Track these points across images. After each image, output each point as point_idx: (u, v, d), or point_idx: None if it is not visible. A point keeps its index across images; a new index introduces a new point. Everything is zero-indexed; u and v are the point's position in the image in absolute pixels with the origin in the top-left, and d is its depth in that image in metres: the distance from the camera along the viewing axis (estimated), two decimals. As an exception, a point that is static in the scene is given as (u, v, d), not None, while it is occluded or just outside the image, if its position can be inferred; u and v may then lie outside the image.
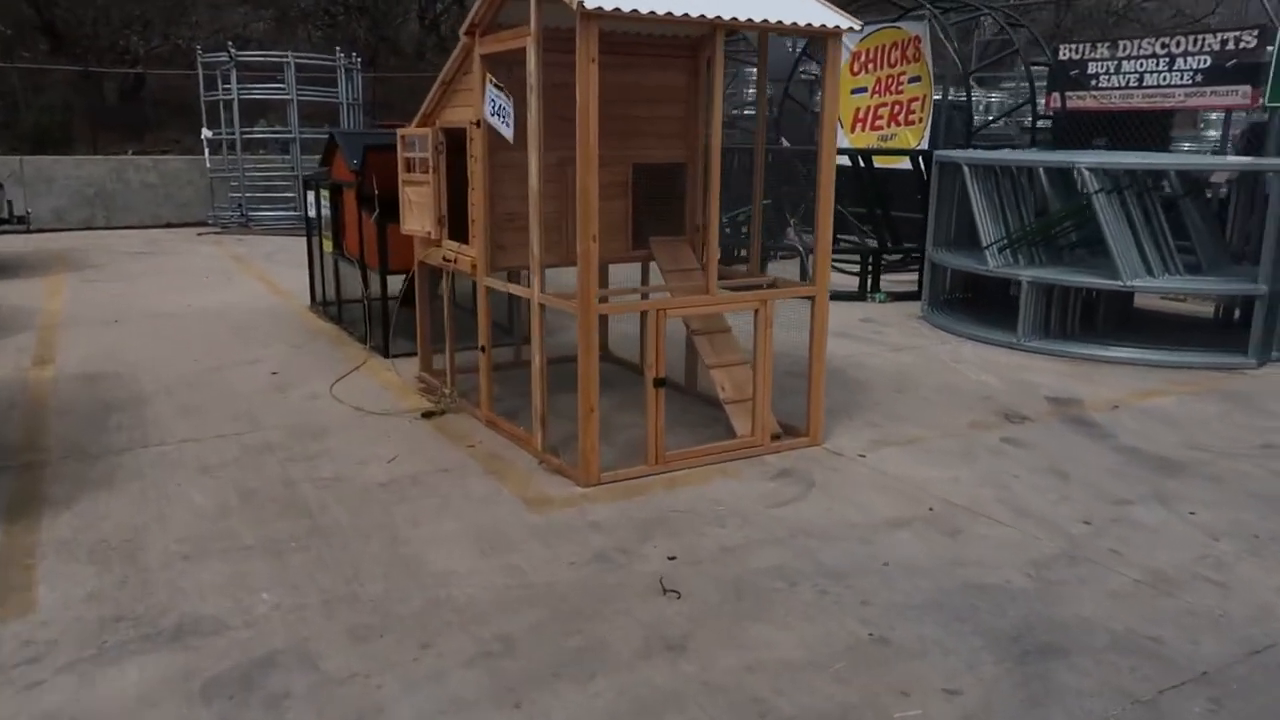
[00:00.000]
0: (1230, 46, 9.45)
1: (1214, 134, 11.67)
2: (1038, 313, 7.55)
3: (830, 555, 3.80)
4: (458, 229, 5.78)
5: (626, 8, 4.06)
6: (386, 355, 7.02)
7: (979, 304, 8.75)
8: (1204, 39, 9.64)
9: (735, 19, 4.37)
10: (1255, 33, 9.25)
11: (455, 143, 5.78)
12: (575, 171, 5.07)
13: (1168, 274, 7.31)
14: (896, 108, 11.30)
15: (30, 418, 5.52)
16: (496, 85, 4.87)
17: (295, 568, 3.66)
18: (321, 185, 8.08)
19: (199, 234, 14.93)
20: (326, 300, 8.52)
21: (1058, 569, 3.71)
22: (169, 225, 15.95)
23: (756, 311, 4.86)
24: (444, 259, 5.69)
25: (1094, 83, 10.69)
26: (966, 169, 7.86)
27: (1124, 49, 10.41)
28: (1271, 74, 9.15)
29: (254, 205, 15.57)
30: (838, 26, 4.63)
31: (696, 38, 5.63)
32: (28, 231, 14.03)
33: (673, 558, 3.77)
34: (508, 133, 4.86)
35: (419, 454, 4.96)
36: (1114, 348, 7.26)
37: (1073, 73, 10.81)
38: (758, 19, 4.43)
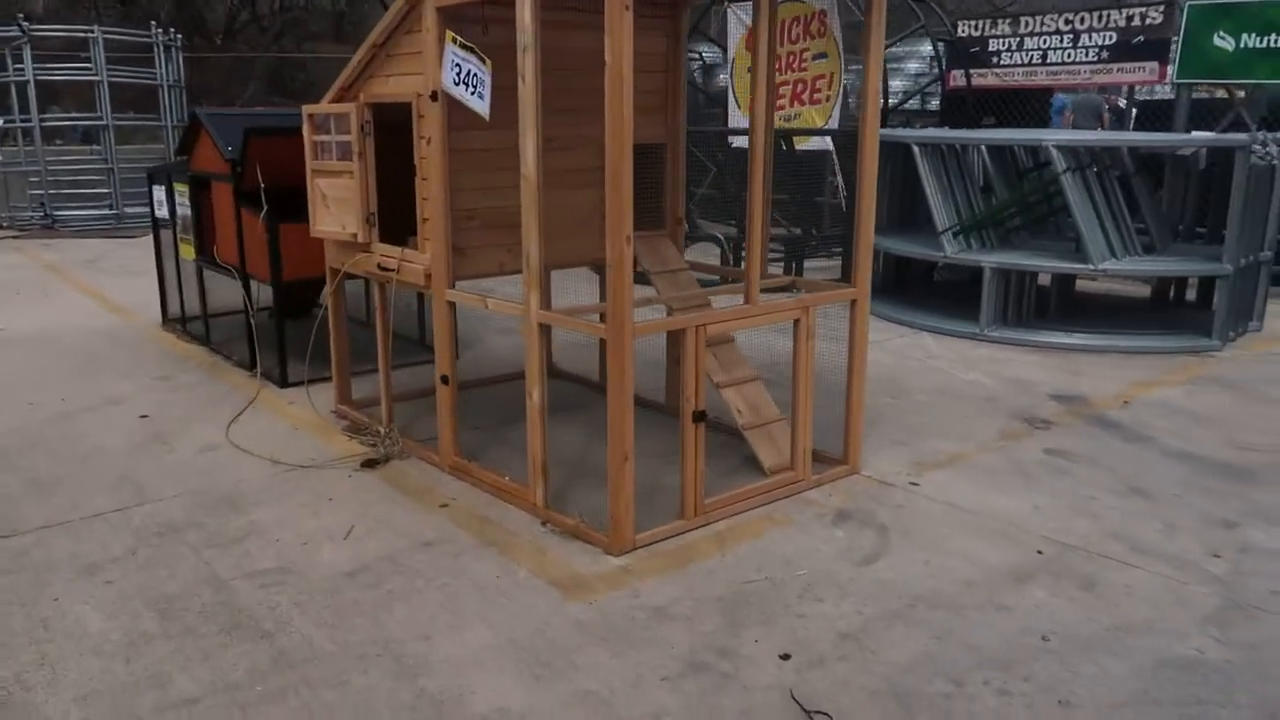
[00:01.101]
0: (1136, 23, 9.38)
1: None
2: (998, 301, 7.11)
3: (977, 634, 3.02)
4: (392, 230, 4.64)
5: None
6: (284, 384, 5.74)
7: (910, 290, 8.27)
8: (1109, 15, 9.54)
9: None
10: (1161, 8, 9.20)
11: (385, 123, 4.64)
12: (550, 156, 4.18)
13: (1129, 255, 7.02)
14: (800, 86, 10.70)
15: None
16: (465, 46, 3.78)
17: (275, 729, 2.54)
18: (178, 178, 6.62)
19: (-8, 239, 12.65)
20: (186, 316, 7.06)
21: (1239, 627, 3.08)
22: (-49, 229, 13.49)
23: (797, 322, 4.03)
24: (379, 268, 4.54)
25: (996, 60, 10.47)
26: (916, 149, 7.30)
27: (1025, 25, 10.23)
28: (1179, 50, 9.13)
29: (59, 204, 13.37)
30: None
31: (679, -8, 4.70)
32: None
33: (786, 656, 2.89)
34: (481, 107, 3.80)
35: (381, 522, 3.84)
36: (1078, 334, 6.89)
37: (973, 50, 10.56)
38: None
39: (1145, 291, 8.39)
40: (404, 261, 4.36)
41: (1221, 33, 8.81)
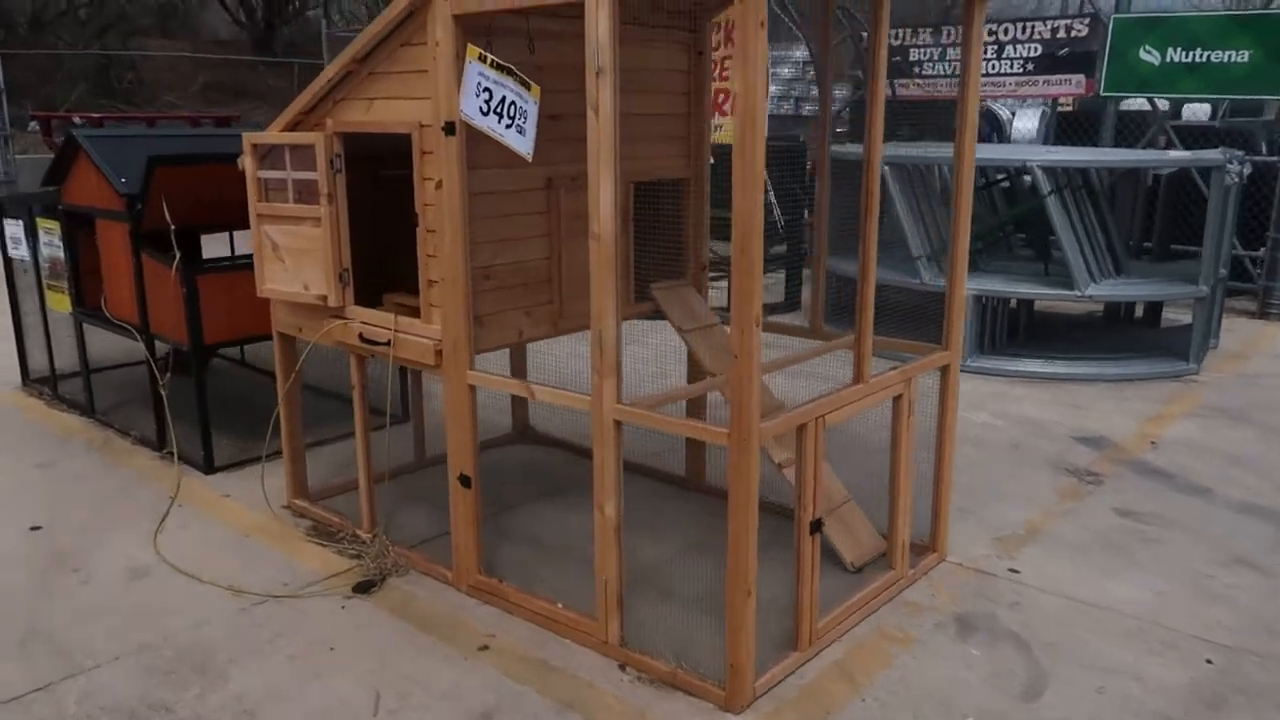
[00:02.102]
0: (1062, 35, 9.31)
1: (1025, 125, 11.81)
2: (977, 329, 6.75)
3: (1224, 799, 2.48)
4: (368, 291, 3.76)
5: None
6: (209, 468, 4.68)
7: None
8: (1034, 27, 9.45)
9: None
10: (1086, 22, 9.15)
11: (360, 157, 3.74)
12: (572, 197, 3.53)
13: (1105, 278, 6.80)
14: (721, 96, 10.18)
15: None
16: (499, 67, 2.96)
17: None
18: (45, 213, 5.38)
19: None
20: (57, 376, 5.80)
21: None
22: None
23: (899, 396, 3.41)
24: (362, 339, 3.63)
25: (918, 70, 10.25)
26: (887, 170, 6.85)
27: (948, 35, 10.04)
28: (1105, 63, 9.11)
29: None
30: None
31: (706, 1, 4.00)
32: None
33: None
34: (522, 144, 2.99)
35: (413, 681, 2.97)
36: (1059, 363, 6.62)
37: (894, 59, 10.30)
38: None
39: (1094, 308, 8.28)
40: (401, 334, 3.48)
41: (1147, 47, 8.82)
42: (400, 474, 4.50)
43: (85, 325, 5.32)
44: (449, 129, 3.13)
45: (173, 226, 4.47)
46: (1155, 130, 9.21)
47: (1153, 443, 5.24)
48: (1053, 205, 6.39)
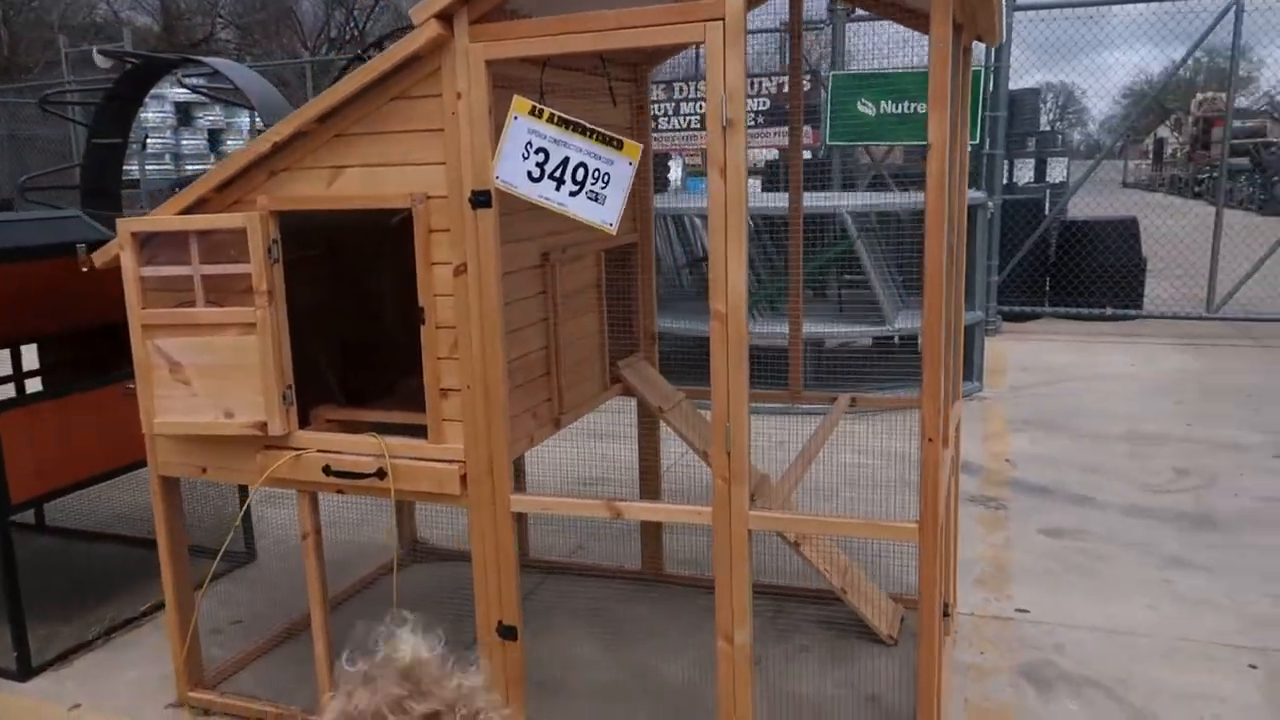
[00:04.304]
0: (787, 90, 9.98)
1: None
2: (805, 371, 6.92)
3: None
4: (311, 408, 2.97)
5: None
6: (27, 673, 3.42)
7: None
8: (761, 83, 10.04)
9: None
10: (809, 77, 9.90)
11: (300, 241, 2.96)
12: (565, 271, 3.28)
13: (903, 311, 7.29)
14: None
15: None
16: (569, 123, 2.42)
17: None
18: None
19: None
20: None
21: None
22: None
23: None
24: (331, 474, 2.81)
25: (654, 125, 10.49)
26: (698, 221, 6.86)
27: (681, 91, 10.38)
28: (826, 116, 9.90)
29: None
30: None
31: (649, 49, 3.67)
32: None
33: None
34: (601, 215, 2.48)
35: None
36: (878, 395, 6.98)
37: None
38: None
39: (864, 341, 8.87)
40: (400, 460, 2.73)
41: (863, 100, 9.71)
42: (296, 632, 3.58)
43: None
44: (480, 200, 2.52)
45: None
46: (873, 175, 10.16)
47: (1008, 460, 5.63)
48: (862, 247, 6.73)
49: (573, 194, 2.47)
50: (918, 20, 3.37)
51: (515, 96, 2.46)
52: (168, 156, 14.11)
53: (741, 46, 2.30)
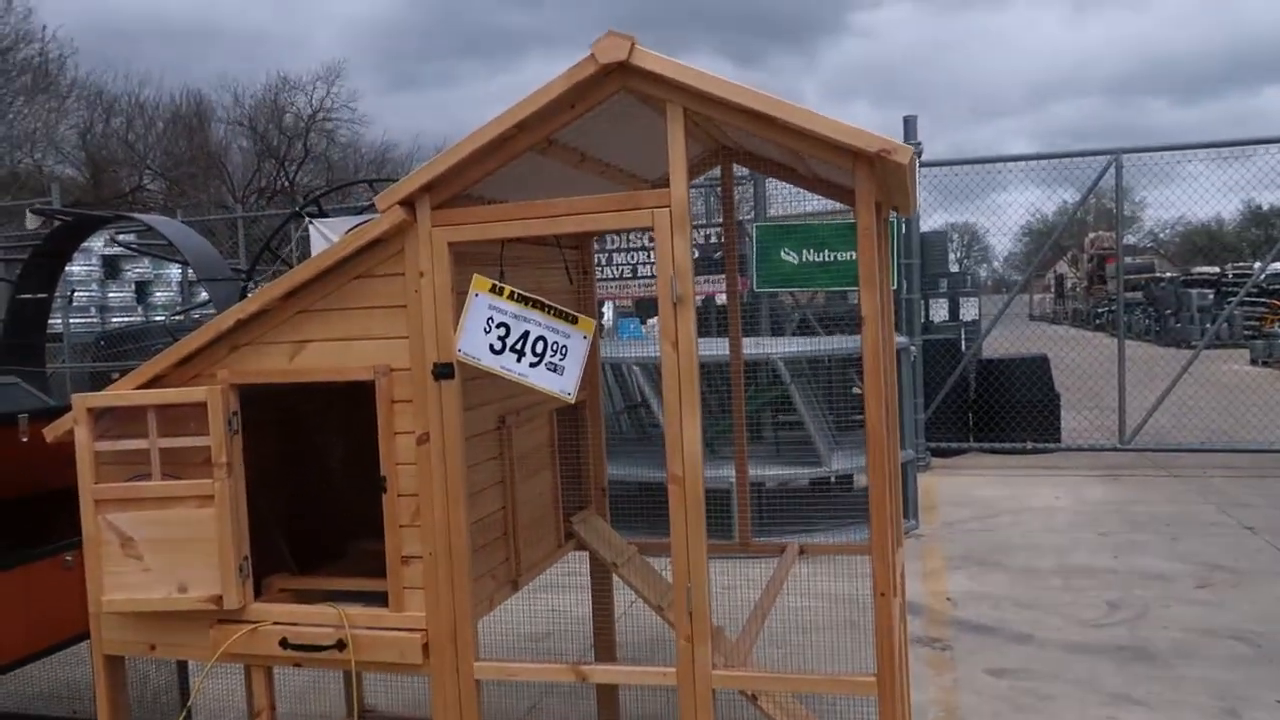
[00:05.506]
0: (714, 240, 10.45)
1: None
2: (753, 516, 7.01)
3: None
4: (263, 576, 2.95)
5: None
6: None
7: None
8: (709, 234, 10.51)
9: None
10: (737, 227, 10.40)
11: (250, 403, 3.00)
12: (520, 434, 3.34)
13: (839, 451, 7.50)
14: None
15: None
16: (528, 299, 2.56)
17: None
18: None
19: None
20: None
21: None
22: None
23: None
24: (289, 646, 2.77)
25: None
26: (638, 370, 7.05)
27: (612, 241, 10.78)
28: (753, 264, 10.37)
29: None
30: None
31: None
32: None
33: None
34: (559, 384, 2.60)
35: None
36: (817, 535, 7.10)
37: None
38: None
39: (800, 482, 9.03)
40: (360, 630, 2.72)
41: (786, 249, 10.22)
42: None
43: None
44: (442, 371, 2.62)
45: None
46: (799, 318, 10.59)
47: (949, 599, 5.74)
48: (795, 391, 6.97)
49: (533, 365, 2.59)
50: (838, 191, 3.65)
51: (475, 275, 2.60)
52: (93, 310, 13.96)
53: (687, 229, 2.49)
